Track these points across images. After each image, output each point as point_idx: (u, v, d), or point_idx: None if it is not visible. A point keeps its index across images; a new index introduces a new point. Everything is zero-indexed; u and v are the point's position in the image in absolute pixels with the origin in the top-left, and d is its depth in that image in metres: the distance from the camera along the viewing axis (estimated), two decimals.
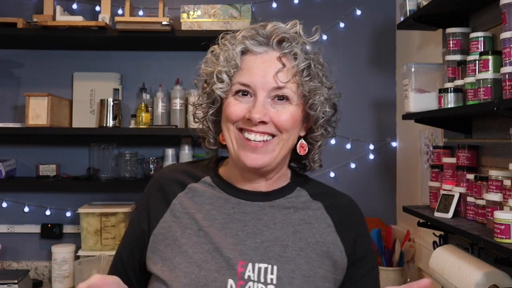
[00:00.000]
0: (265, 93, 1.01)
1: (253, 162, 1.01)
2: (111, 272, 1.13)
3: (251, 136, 1.01)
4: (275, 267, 1.00)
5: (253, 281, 0.98)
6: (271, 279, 0.99)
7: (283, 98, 1.02)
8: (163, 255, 1.03)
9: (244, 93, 1.02)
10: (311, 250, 1.04)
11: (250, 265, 0.99)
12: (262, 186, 1.08)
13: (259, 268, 0.99)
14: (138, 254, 1.09)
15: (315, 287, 1.01)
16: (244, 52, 1.04)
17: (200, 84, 1.11)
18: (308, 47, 1.05)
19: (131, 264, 1.11)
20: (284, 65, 1.01)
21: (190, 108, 2.58)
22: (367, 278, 1.09)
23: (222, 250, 1.01)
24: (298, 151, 1.09)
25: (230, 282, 0.98)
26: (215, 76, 1.04)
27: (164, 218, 1.07)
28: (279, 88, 1.01)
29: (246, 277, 0.98)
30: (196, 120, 1.13)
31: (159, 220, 1.07)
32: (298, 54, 1.02)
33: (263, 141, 1.01)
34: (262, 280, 0.98)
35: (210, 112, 1.08)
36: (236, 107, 1.02)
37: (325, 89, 1.06)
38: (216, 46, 1.09)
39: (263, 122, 1.00)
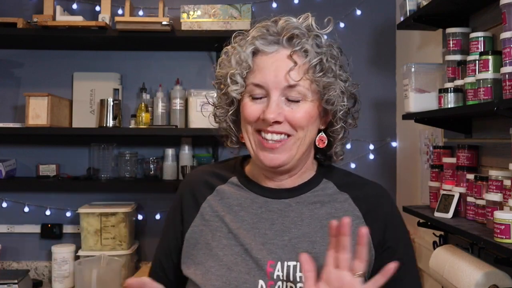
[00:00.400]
0: (278, 92, 1.00)
1: (271, 162, 1.02)
2: (152, 276, 1.13)
3: (268, 136, 1.01)
4: None
5: (282, 280, 0.98)
6: (300, 277, 0.98)
7: (297, 99, 1.01)
8: (196, 259, 1.05)
9: (257, 98, 1.02)
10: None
11: (279, 264, 0.99)
12: (286, 182, 1.08)
13: (288, 267, 0.99)
14: (176, 258, 1.11)
15: None
16: (255, 52, 1.04)
17: (218, 85, 1.11)
18: (319, 41, 1.05)
19: (171, 268, 1.14)
20: (295, 62, 1.00)
21: (190, 108, 2.59)
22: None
23: (252, 251, 1.01)
24: (317, 143, 1.08)
25: (261, 282, 0.98)
26: (228, 79, 1.04)
27: (194, 222, 1.09)
28: (292, 86, 1.00)
29: (275, 276, 0.99)
30: (217, 120, 1.12)
31: (191, 224, 1.09)
32: (309, 50, 1.01)
33: (280, 140, 1.01)
34: (291, 278, 0.98)
35: (229, 113, 1.09)
36: (251, 109, 1.02)
37: (341, 82, 1.05)
38: (229, 47, 1.08)
39: (278, 122, 1.00)
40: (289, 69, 0.99)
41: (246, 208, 1.07)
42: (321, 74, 1.01)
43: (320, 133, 1.08)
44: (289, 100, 1.01)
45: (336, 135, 1.09)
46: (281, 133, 1.01)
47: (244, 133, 1.06)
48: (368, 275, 1.02)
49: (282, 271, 0.99)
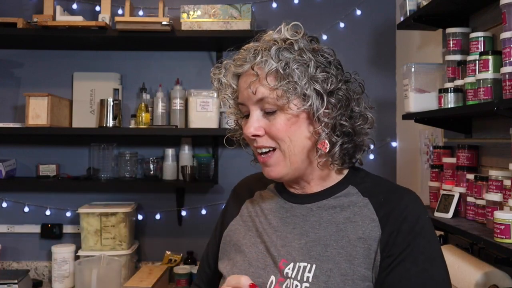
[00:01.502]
0: (255, 107, 1.06)
1: (269, 174, 1.09)
2: (200, 275, 1.30)
3: (258, 151, 1.08)
4: (313, 266, 1.03)
5: (291, 278, 1.03)
6: (307, 277, 1.02)
7: (271, 110, 1.04)
8: (229, 255, 1.16)
9: (246, 114, 1.09)
10: (352, 248, 1.01)
11: (292, 264, 1.05)
12: (309, 188, 1.12)
13: (299, 267, 1.04)
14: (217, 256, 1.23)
15: (354, 286, 0.98)
16: (236, 75, 1.11)
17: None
18: (291, 48, 1.04)
19: (215, 265, 1.24)
20: (256, 75, 1.03)
21: (190, 108, 2.59)
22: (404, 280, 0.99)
23: (271, 250, 1.08)
24: (318, 148, 1.05)
25: (272, 278, 1.05)
26: (221, 101, 1.16)
27: (234, 221, 1.21)
28: (261, 99, 1.03)
29: (285, 274, 1.04)
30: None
31: (230, 223, 1.21)
32: (268, 61, 1.02)
33: (267, 153, 1.07)
34: (299, 278, 1.02)
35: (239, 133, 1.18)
36: (244, 128, 1.08)
37: (315, 83, 1.02)
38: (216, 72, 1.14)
39: (257, 135, 1.06)
40: (250, 83, 1.03)
41: (274, 213, 1.14)
42: (282, 80, 1.01)
43: (321, 138, 1.04)
44: (266, 112, 1.05)
45: (329, 129, 1.05)
46: (265, 147, 1.06)
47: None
48: (373, 280, 1.00)
49: (293, 270, 1.03)
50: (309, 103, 1.02)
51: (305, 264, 1.03)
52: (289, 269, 1.04)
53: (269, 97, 1.03)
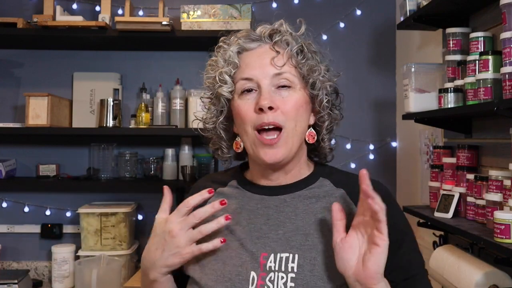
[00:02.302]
0: (267, 81, 1.06)
1: (272, 157, 1.05)
2: None
3: (265, 135, 1.05)
4: (296, 256, 1.02)
5: (274, 270, 1.01)
6: (292, 267, 1.01)
7: (285, 86, 1.06)
8: (197, 257, 1.08)
9: (248, 90, 1.07)
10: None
11: (272, 256, 1.03)
12: (283, 180, 1.12)
13: (281, 258, 1.02)
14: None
15: (338, 273, 1.00)
16: (240, 51, 1.10)
17: (206, 98, 1.17)
18: (295, 36, 1.11)
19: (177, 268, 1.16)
20: (278, 51, 1.07)
21: (190, 108, 2.59)
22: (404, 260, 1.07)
23: (246, 245, 1.05)
24: (307, 139, 1.12)
25: (252, 274, 1.02)
26: (218, 80, 1.09)
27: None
28: (279, 74, 1.06)
29: (267, 268, 1.02)
30: (208, 132, 1.17)
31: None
32: (289, 40, 1.08)
33: (275, 137, 1.05)
34: (283, 269, 1.01)
35: (220, 120, 1.13)
36: (246, 106, 1.06)
37: (323, 67, 1.10)
38: (211, 59, 1.15)
39: (272, 108, 1.03)
40: (273, 57, 1.06)
41: (243, 206, 1.11)
42: (304, 60, 1.08)
43: (310, 129, 1.12)
44: (278, 87, 1.06)
45: (322, 123, 1.13)
46: (274, 123, 1.04)
47: (243, 136, 1.09)
48: None
49: (275, 262, 1.02)
50: (318, 91, 1.09)
51: (287, 254, 1.03)
52: (270, 261, 1.02)
53: (289, 72, 1.06)
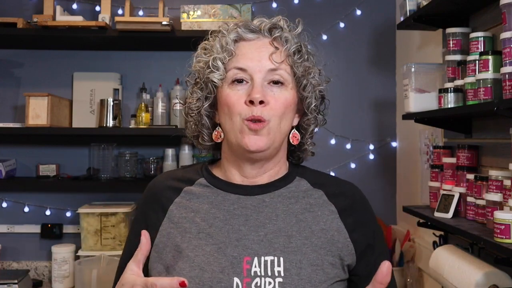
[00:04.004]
0: (261, 75, 1.03)
1: (255, 144, 1.01)
2: (115, 285, 1.08)
3: (251, 123, 1.02)
4: (281, 259, 0.99)
5: (260, 276, 0.97)
6: (279, 272, 0.97)
7: (278, 82, 1.05)
8: (165, 262, 1.02)
9: (240, 81, 1.04)
10: (316, 238, 1.02)
11: (256, 260, 0.98)
12: (260, 179, 1.09)
13: (265, 261, 0.98)
14: (144, 266, 1.05)
15: (324, 275, 1.00)
16: (237, 40, 1.07)
17: (192, 82, 1.13)
18: (293, 35, 1.10)
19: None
20: (277, 48, 1.06)
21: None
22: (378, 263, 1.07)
23: (226, 249, 0.99)
24: (291, 140, 1.11)
25: (236, 280, 0.96)
26: (210, 65, 1.06)
27: (162, 226, 1.06)
28: (274, 70, 1.04)
29: (252, 273, 0.97)
30: (190, 117, 1.13)
31: (158, 229, 1.06)
32: (289, 38, 1.07)
33: (260, 124, 1.02)
34: (269, 274, 0.97)
35: (205, 106, 1.09)
36: (235, 97, 1.03)
37: (317, 71, 1.10)
38: (206, 42, 1.11)
39: (262, 103, 1.01)
40: (272, 53, 1.04)
41: (217, 206, 1.05)
42: (300, 60, 1.07)
43: (293, 130, 1.11)
44: (270, 83, 1.04)
45: (308, 126, 1.12)
46: (261, 118, 1.01)
47: (227, 124, 1.05)
48: (350, 268, 1.06)
49: (260, 267, 0.98)
50: (308, 93, 1.08)
51: (272, 257, 0.98)
52: (255, 266, 0.97)
53: (284, 70, 1.05)
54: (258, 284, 0.96)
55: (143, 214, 1.11)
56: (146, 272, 1.05)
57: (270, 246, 1.00)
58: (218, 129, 1.09)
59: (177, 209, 1.07)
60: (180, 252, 1.01)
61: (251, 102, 1.01)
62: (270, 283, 0.96)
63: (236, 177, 1.09)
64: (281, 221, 1.03)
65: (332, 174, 2.67)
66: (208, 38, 1.12)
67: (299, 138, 1.12)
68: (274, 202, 1.06)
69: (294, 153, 1.17)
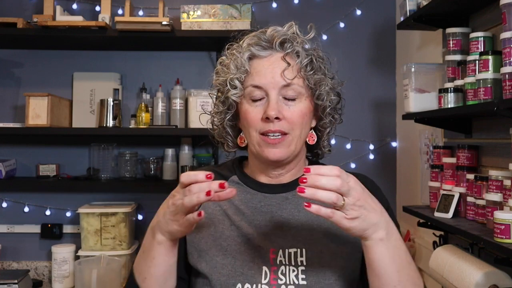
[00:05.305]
0: (276, 91, 1.09)
1: (275, 156, 1.10)
2: None
3: (270, 135, 1.09)
4: (303, 250, 1.09)
5: (285, 264, 1.08)
6: (301, 261, 1.08)
7: (292, 97, 1.10)
8: (198, 246, 1.13)
9: (257, 99, 1.11)
10: (336, 229, 1.08)
11: (280, 251, 1.09)
12: (284, 178, 1.18)
13: (289, 253, 1.09)
14: (182, 250, 1.14)
15: (343, 263, 1.09)
16: (251, 58, 1.13)
17: (214, 94, 1.21)
18: (307, 45, 1.15)
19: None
20: (288, 63, 1.10)
21: (190, 108, 2.59)
22: None
23: (254, 241, 1.10)
24: (307, 140, 1.17)
25: (264, 268, 1.08)
26: (228, 84, 1.13)
27: None
28: (288, 85, 1.09)
29: (278, 262, 1.08)
30: (215, 127, 1.22)
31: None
32: (300, 52, 1.12)
33: (280, 137, 1.10)
34: (293, 263, 1.08)
35: (227, 118, 1.17)
36: (253, 113, 1.10)
37: (329, 79, 1.16)
38: (224, 58, 1.18)
39: (278, 118, 1.08)
40: (284, 69, 1.09)
41: (246, 203, 1.16)
42: (312, 72, 1.12)
43: (310, 131, 1.18)
44: (286, 98, 1.10)
45: (324, 129, 1.19)
46: (280, 131, 1.09)
47: (247, 137, 1.14)
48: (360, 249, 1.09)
49: (284, 257, 1.08)
50: (323, 101, 1.14)
51: (295, 249, 1.09)
52: (280, 256, 1.08)
53: (297, 84, 1.10)
54: (284, 272, 1.07)
55: None
56: (184, 258, 1.15)
57: (293, 239, 1.10)
58: (242, 135, 1.18)
59: (212, 202, 1.14)
60: (214, 241, 1.12)
61: (268, 118, 1.08)
62: (294, 270, 1.07)
63: (262, 178, 1.19)
64: (303, 216, 1.13)
65: None
66: (226, 53, 1.18)
67: (315, 139, 1.19)
68: (296, 199, 1.14)
69: (312, 151, 1.25)
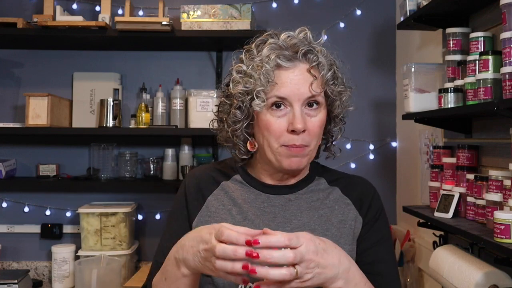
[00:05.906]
0: (300, 103, 1.10)
1: (294, 165, 1.12)
2: (156, 268, 1.13)
3: (293, 147, 1.11)
4: None
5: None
6: None
7: (313, 103, 1.12)
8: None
9: (278, 105, 1.10)
10: (336, 230, 1.15)
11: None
12: (288, 181, 1.21)
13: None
14: None
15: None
16: (276, 68, 1.11)
17: (228, 102, 1.16)
18: (324, 52, 1.15)
19: None
20: (315, 76, 1.11)
21: (190, 108, 2.58)
22: (379, 246, 1.18)
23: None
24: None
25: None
26: (254, 95, 1.09)
27: (200, 213, 1.18)
28: (312, 96, 1.11)
29: None
30: (233, 134, 1.17)
31: (196, 215, 1.18)
32: (323, 62, 1.12)
33: (302, 148, 1.11)
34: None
35: (244, 125, 1.15)
36: (276, 125, 1.10)
37: (348, 89, 1.20)
38: (241, 65, 1.14)
39: (304, 131, 1.10)
40: (311, 83, 1.10)
41: (250, 203, 1.18)
42: (334, 84, 1.15)
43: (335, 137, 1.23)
44: (309, 109, 1.11)
45: (336, 134, 1.23)
46: (303, 145, 1.11)
47: (265, 145, 1.13)
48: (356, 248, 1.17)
49: None
50: (338, 110, 1.17)
51: None
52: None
53: (320, 95, 1.12)
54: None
55: (185, 199, 1.21)
56: None
57: None
58: (252, 139, 1.17)
59: (215, 200, 1.19)
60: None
61: (293, 131, 1.09)
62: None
63: (267, 179, 1.20)
64: (305, 217, 1.16)
65: None
66: (243, 59, 1.14)
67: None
68: (298, 201, 1.19)
69: (318, 153, 1.26)
